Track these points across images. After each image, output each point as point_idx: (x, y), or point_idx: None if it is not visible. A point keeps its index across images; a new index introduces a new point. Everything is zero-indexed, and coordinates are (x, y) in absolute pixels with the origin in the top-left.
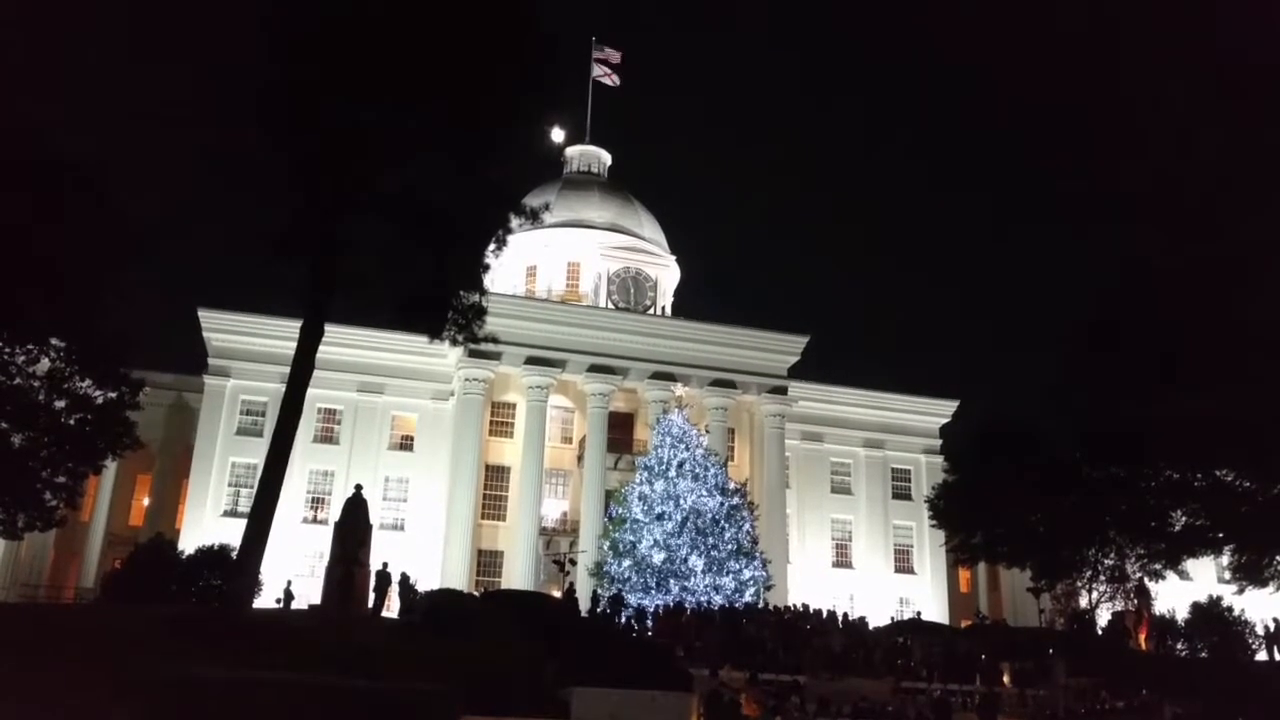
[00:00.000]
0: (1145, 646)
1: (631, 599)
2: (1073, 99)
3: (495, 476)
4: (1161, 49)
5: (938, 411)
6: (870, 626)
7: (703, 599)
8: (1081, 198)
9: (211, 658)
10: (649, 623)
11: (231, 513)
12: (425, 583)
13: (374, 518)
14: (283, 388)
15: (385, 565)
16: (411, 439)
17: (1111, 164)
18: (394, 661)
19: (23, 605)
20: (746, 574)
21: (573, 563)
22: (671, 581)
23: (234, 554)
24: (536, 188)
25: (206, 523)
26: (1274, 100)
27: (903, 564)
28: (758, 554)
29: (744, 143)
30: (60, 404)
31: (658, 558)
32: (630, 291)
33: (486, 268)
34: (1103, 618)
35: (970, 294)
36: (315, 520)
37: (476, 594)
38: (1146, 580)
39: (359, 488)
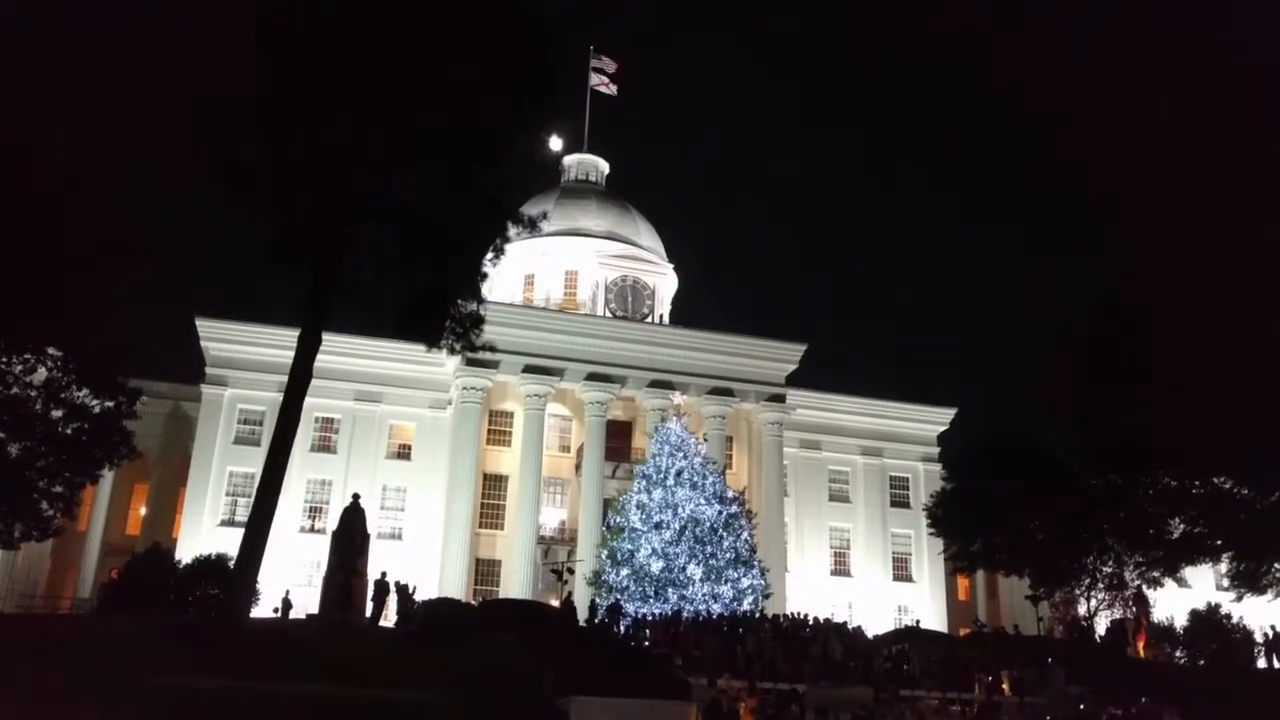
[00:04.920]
0: (1144, 654)
1: (630, 608)
2: (1073, 104)
3: (493, 485)
4: (1161, 51)
5: (935, 419)
6: (869, 635)
7: (701, 608)
8: (1080, 205)
9: (208, 667)
10: (647, 632)
11: (229, 522)
12: (423, 592)
13: (372, 527)
14: (280, 397)
15: (384, 574)
16: (409, 448)
17: (1110, 171)
18: (392, 671)
19: (19, 615)
20: (745, 582)
21: (571, 571)
22: (670, 590)
23: (231, 563)
24: (534, 196)
25: (204, 532)
26: (1274, 104)
27: (901, 572)
28: (756, 562)
29: (742, 150)
30: (57, 413)
31: (656, 566)
32: (628, 300)
33: (484, 276)
34: (1101, 625)
35: (969, 302)
36: (313, 529)
37: (474, 603)
38: (1145, 588)
39: (357, 496)
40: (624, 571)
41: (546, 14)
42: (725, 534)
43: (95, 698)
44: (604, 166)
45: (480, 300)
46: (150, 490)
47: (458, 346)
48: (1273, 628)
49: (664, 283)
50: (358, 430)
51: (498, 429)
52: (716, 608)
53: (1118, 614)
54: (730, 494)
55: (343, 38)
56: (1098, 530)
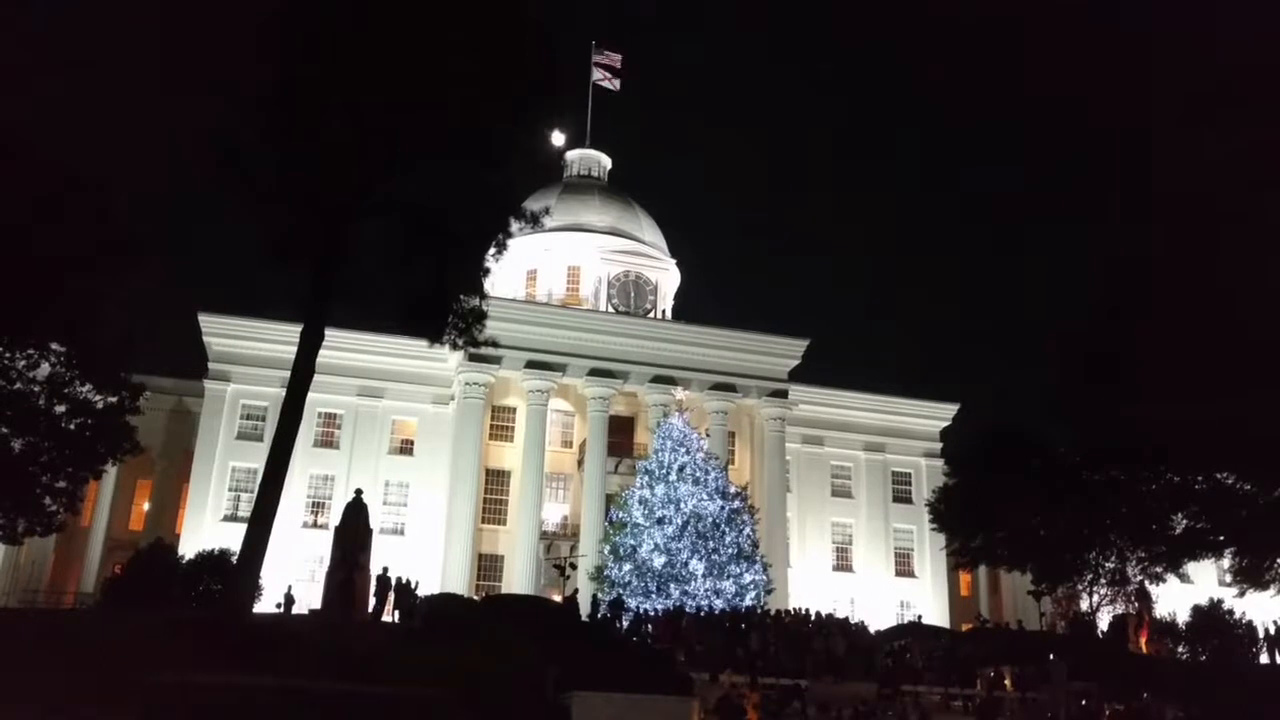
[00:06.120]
0: (1146, 650)
1: (632, 603)
2: (1074, 95)
3: (495, 481)
4: (1163, 45)
5: (938, 414)
6: (871, 630)
7: (703, 603)
8: (1082, 198)
9: (211, 663)
10: (649, 627)
11: (232, 517)
12: (425, 587)
13: (374, 522)
14: (283, 392)
15: (385, 569)
16: (412, 443)
17: (1113, 163)
18: (394, 667)
19: (23, 610)
20: (747, 578)
21: (573, 567)
22: (672, 585)
23: (234, 559)
24: (537, 192)
25: (207, 527)
26: (1275, 99)
27: (903, 567)
28: (758, 558)
29: (744, 145)
30: (60, 409)
31: (658, 562)
32: (630, 295)
33: (487, 272)
34: (1104, 621)
35: (971, 296)
36: (315, 525)
37: (477, 598)
38: (1147, 583)
39: (359, 492)
40: (626, 567)
41: (548, 10)
42: (727, 529)
43: (98, 693)
44: (606, 162)
45: (482, 296)
46: (153, 486)
47: (460, 342)
48: (1275, 623)
49: (666, 278)
50: (360, 425)
51: (500, 424)
52: (719, 603)
53: (1120, 609)
54: (733, 489)
55: (344, 35)
56: (1100, 526)
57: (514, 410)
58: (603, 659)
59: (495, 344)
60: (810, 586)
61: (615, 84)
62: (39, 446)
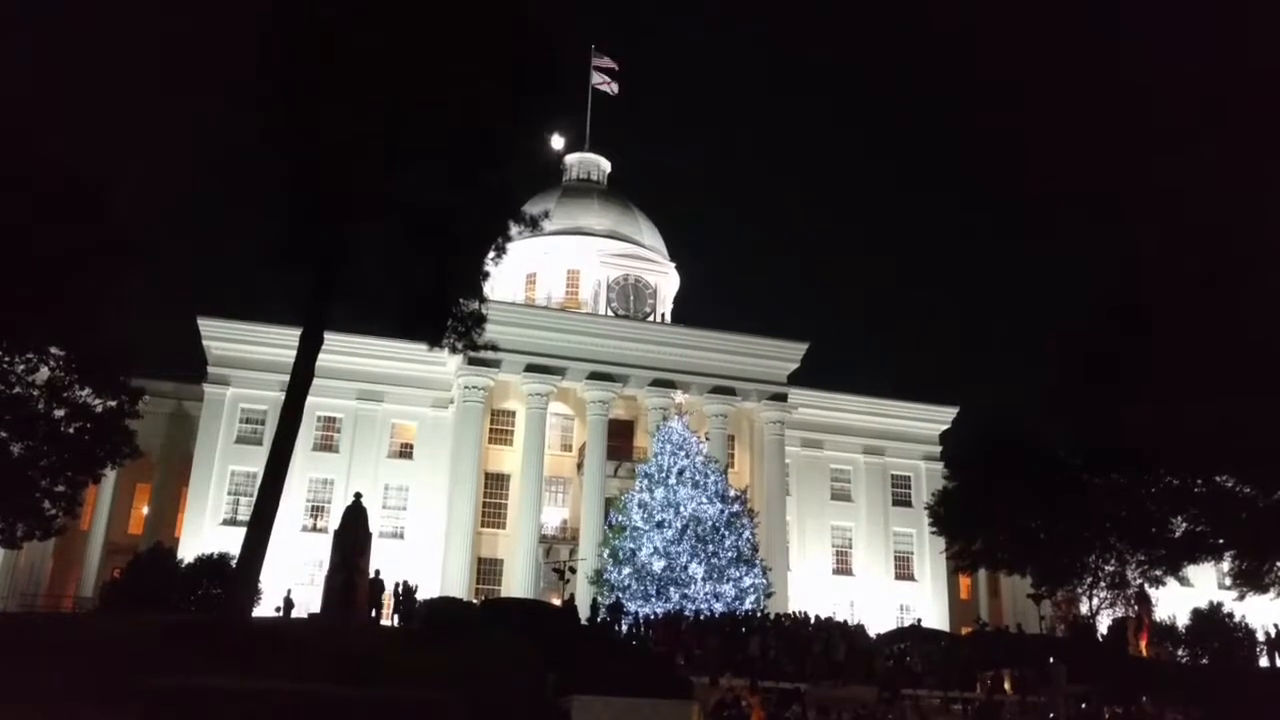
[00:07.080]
0: (1146, 653)
1: (631, 607)
2: (1074, 100)
3: (495, 484)
4: (1163, 48)
5: (937, 418)
6: (871, 634)
7: (703, 607)
8: (1083, 198)
9: (210, 666)
10: (649, 631)
11: (231, 521)
12: (425, 591)
13: (374, 526)
14: (282, 396)
15: (378, 572)
16: (411, 447)
17: (1114, 167)
18: (394, 670)
19: (21, 614)
20: (747, 581)
21: (573, 570)
22: (671, 589)
23: (233, 562)
24: (536, 195)
25: (206, 531)
26: (1275, 103)
27: (903, 571)
28: (758, 561)
29: (744, 149)
30: (60, 413)
31: (658, 565)
32: (630, 299)
33: (486, 275)
34: (1103, 624)
35: (971, 299)
36: (315, 528)
37: (476, 602)
38: (1147, 586)
39: (358, 495)
40: (626, 570)
41: (547, 11)
42: (727, 533)
43: (97, 697)
44: (605, 165)
45: (482, 299)
46: (152, 489)
47: (460, 345)
48: (1275, 626)
49: (666, 281)
50: (360, 429)
51: (500, 428)
52: (718, 607)
53: (1120, 613)
54: (732, 493)
55: (344, 37)
56: (1100, 529)
57: (513, 414)
58: (602, 662)
59: (495, 347)
60: (810, 590)
61: (614, 88)
62: (38, 450)
